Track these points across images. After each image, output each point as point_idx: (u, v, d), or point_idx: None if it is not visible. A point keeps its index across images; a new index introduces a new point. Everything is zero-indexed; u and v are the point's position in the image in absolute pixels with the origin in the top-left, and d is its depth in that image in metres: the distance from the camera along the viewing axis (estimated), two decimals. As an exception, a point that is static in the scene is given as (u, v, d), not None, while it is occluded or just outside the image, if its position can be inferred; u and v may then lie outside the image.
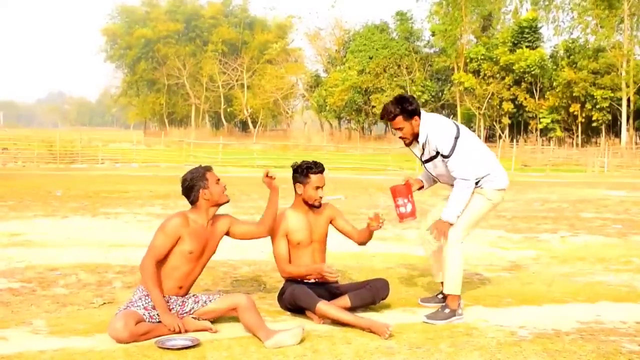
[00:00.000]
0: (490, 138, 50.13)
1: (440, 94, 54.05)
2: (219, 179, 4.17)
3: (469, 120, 51.28)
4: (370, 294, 4.48)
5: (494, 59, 46.51)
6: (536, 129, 48.40)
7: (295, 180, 4.53)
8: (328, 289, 4.51)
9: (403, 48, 53.40)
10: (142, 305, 3.94)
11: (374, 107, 51.23)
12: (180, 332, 3.87)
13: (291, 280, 4.51)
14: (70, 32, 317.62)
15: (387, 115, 4.50)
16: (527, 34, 47.47)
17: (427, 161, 4.57)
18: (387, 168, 31.40)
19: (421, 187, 4.76)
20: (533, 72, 45.45)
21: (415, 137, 4.49)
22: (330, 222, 4.70)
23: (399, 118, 4.45)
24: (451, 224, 4.40)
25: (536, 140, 47.62)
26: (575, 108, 44.84)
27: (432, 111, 48.00)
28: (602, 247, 7.86)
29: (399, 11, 55.71)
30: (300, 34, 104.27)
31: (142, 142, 43.74)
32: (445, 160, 4.40)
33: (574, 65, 45.33)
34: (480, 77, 47.33)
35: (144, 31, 62.49)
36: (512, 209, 12.01)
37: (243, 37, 64.73)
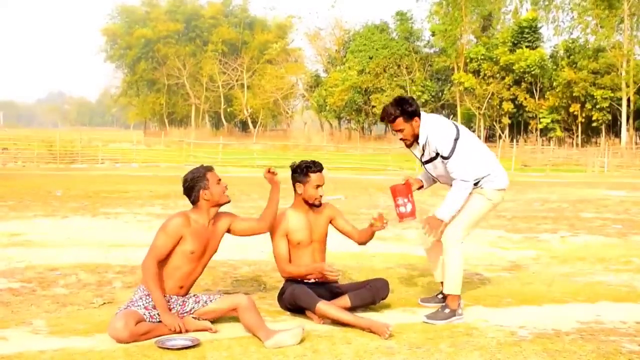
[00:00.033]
0: (490, 138, 50.14)
1: (440, 94, 54.06)
2: (220, 180, 4.17)
3: (469, 120, 51.29)
4: (370, 294, 4.48)
5: (494, 59, 46.52)
6: (536, 129, 48.41)
7: (295, 180, 4.54)
8: (328, 289, 4.51)
9: (403, 48, 53.42)
10: (143, 304, 3.94)
11: (374, 107, 51.24)
12: (181, 332, 3.87)
13: (291, 280, 4.51)
14: (70, 32, 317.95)
15: (387, 117, 4.49)
16: (527, 34, 47.48)
17: (427, 162, 4.57)
18: (387, 168, 31.41)
19: (421, 187, 4.76)
20: (533, 72, 45.46)
21: (416, 138, 4.49)
22: (330, 222, 4.70)
23: (399, 120, 4.44)
24: (443, 222, 4.40)
25: (536, 140, 47.63)
26: (575, 108, 44.86)
27: (432, 111, 48.03)
28: (602, 247, 7.85)
29: (399, 11, 55.76)
30: (300, 34, 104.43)
31: (142, 142, 43.75)
32: (445, 161, 4.40)
33: (574, 65, 45.35)
34: (480, 77, 47.34)
35: (144, 31, 62.49)
36: (512, 209, 12.01)
37: (243, 37, 64.74)
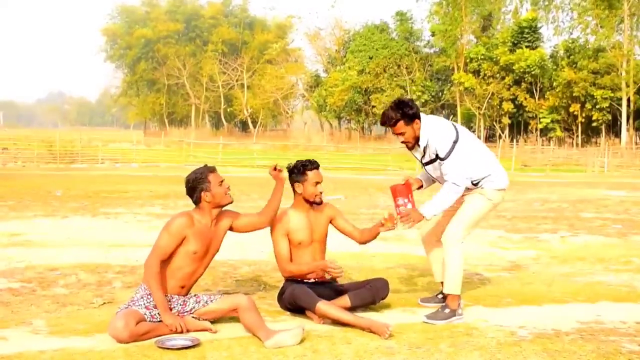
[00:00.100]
0: (490, 138, 50.15)
1: (440, 94, 54.06)
2: (222, 181, 4.17)
3: (469, 120, 51.30)
4: (370, 294, 4.48)
5: (494, 59, 46.52)
6: (536, 129, 48.42)
7: (293, 180, 4.55)
8: (328, 289, 4.51)
9: (403, 48, 53.42)
10: (144, 304, 3.94)
11: (374, 107, 51.25)
12: (181, 332, 3.87)
13: (291, 280, 4.51)
14: (70, 32, 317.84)
15: (388, 122, 4.48)
16: (527, 34, 47.48)
17: (427, 163, 4.57)
18: (387, 168, 31.42)
19: (420, 187, 4.76)
20: (533, 72, 45.46)
21: (417, 140, 4.48)
22: (331, 222, 4.71)
23: (400, 123, 4.43)
24: (424, 218, 4.40)
25: (536, 140, 47.64)
26: (575, 108, 44.86)
27: (432, 111, 47.85)
28: (602, 247, 7.85)
29: (398, 11, 55.75)
30: (300, 34, 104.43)
31: (142, 142, 43.75)
32: (441, 162, 4.41)
33: (574, 65, 45.35)
34: (480, 77, 47.34)
35: (144, 31, 62.50)
36: (512, 209, 12.01)
37: (243, 37, 64.75)
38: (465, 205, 4.55)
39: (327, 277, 4.64)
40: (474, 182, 4.55)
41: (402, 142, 4.55)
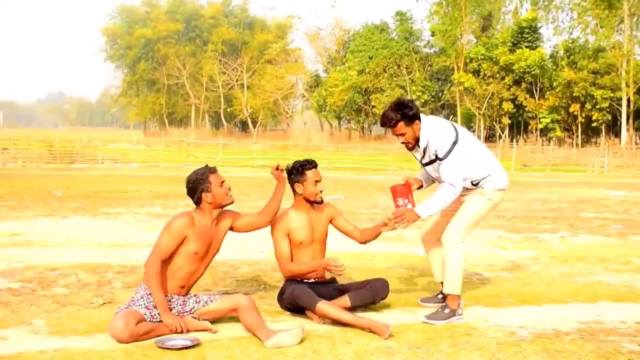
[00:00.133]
0: (490, 138, 50.17)
1: (440, 94, 54.07)
2: (223, 181, 4.17)
3: (469, 120, 51.31)
4: (370, 294, 4.48)
5: (494, 59, 46.53)
6: (536, 129, 48.43)
7: (293, 181, 4.55)
8: (328, 289, 4.51)
9: (403, 48, 53.42)
10: (144, 304, 3.94)
11: (373, 107, 51.26)
12: (182, 332, 3.87)
13: (291, 280, 4.51)
14: (70, 32, 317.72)
15: (388, 123, 4.47)
16: (527, 34, 47.49)
17: (427, 164, 4.57)
18: (387, 168, 31.42)
19: (420, 187, 4.76)
20: (533, 72, 45.47)
21: (417, 141, 4.48)
22: (331, 222, 4.71)
23: (401, 124, 4.43)
24: (419, 218, 4.39)
25: (536, 140, 47.65)
26: (575, 108, 44.87)
27: (432, 111, 47.76)
28: (602, 247, 7.85)
29: (398, 11, 55.76)
30: (300, 34, 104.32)
31: (142, 142, 43.74)
32: (439, 162, 4.41)
33: (574, 65, 45.37)
34: (480, 77, 47.35)
35: (144, 31, 62.51)
36: (512, 209, 12.01)
37: (243, 37, 64.75)
38: (465, 206, 4.55)
39: (328, 276, 4.64)
40: (474, 182, 4.55)
41: (403, 143, 4.54)
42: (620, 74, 43.59)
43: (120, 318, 3.77)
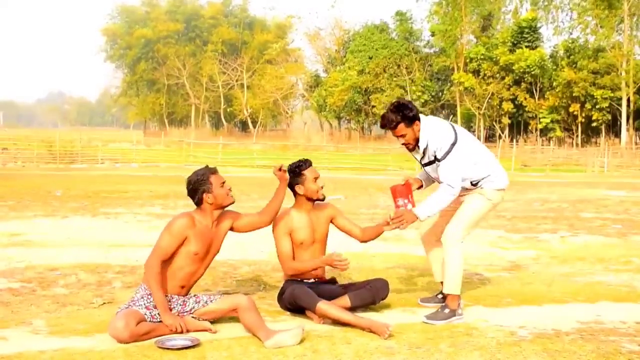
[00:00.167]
0: (490, 138, 50.18)
1: (440, 94, 54.07)
2: (224, 182, 4.17)
3: (468, 120, 51.31)
4: (370, 294, 4.48)
5: (494, 59, 46.54)
6: (536, 129, 48.43)
7: (292, 184, 4.55)
8: (328, 289, 4.51)
9: (403, 48, 53.43)
10: (144, 304, 3.94)
11: (373, 107, 51.26)
12: (182, 332, 3.88)
13: (291, 280, 4.51)
14: (70, 32, 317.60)
15: (388, 125, 4.47)
16: (526, 34, 47.50)
17: (427, 164, 4.58)
18: (387, 168, 31.43)
19: (420, 187, 4.77)
20: (533, 72, 45.47)
21: (417, 142, 4.48)
22: (331, 221, 4.71)
23: (401, 125, 4.43)
24: (418, 219, 4.39)
25: (536, 140, 47.65)
26: (575, 108, 44.87)
27: (432, 111, 47.75)
28: (602, 247, 7.86)
29: (398, 11, 55.75)
30: (300, 34, 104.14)
31: (141, 142, 43.74)
32: (438, 163, 4.41)
33: (573, 65, 45.37)
34: (480, 77, 47.35)
35: (144, 31, 62.52)
36: (512, 209, 12.02)
37: (243, 37, 64.76)
38: (465, 206, 4.55)
39: (328, 276, 4.64)
40: (474, 183, 4.55)
41: (403, 144, 4.55)
42: (620, 74, 43.60)
43: (120, 318, 3.77)
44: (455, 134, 4.45)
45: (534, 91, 47.04)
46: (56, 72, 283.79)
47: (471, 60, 47.65)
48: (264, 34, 63.81)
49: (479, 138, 41.02)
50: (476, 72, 47.62)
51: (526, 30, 47.68)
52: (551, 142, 46.44)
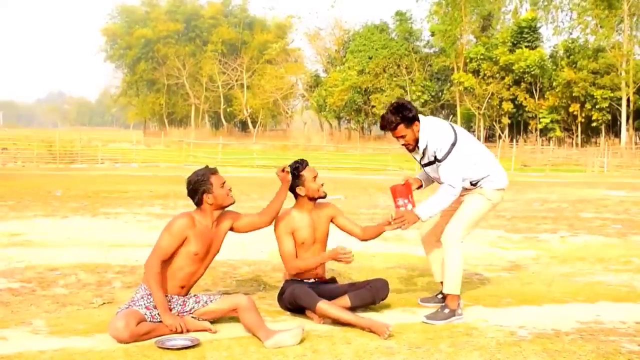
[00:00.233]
0: (490, 138, 50.17)
1: (440, 94, 54.06)
2: (224, 182, 4.17)
3: (468, 120, 51.30)
4: (370, 294, 4.48)
5: (494, 59, 46.53)
6: (536, 129, 48.42)
7: (293, 186, 4.54)
8: (328, 289, 4.51)
9: (403, 48, 53.42)
10: (144, 304, 3.94)
11: (373, 107, 51.26)
12: (182, 332, 3.88)
13: (291, 280, 4.52)
14: (70, 32, 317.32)
15: (388, 126, 4.47)
16: (526, 34, 47.50)
17: (426, 165, 4.58)
18: (387, 168, 31.44)
19: (420, 187, 4.77)
20: (533, 72, 45.47)
21: (417, 142, 4.48)
22: (332, 221, 4.71)
23: (401, 126, 4.43)
24: (419, 220, 4.40)
25: (536, 140, 47.64)
26: (575, 108, 44.87)
27: (432, 111, 47.75)
28: (602, 247, 7.86)
29: (398, 11, 55.74)
30: (300, 34, 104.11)
31: (141, 142, 43.73)
32: (439, 164, 4.41)
33: (573, 65, 45.36)
34: (480, 77, 47.35)
35: (144, 31, 62.51)
36: (512, 209, 12.02)
37: (243, 37, 64.76)
38: (465, 205, 4.55)
39: (327, 276, 4.64)
40: (473, 182, 4.55)
41: (403, 144, 4.54)
42: (620, 74, 43.60)
43: (120, 318, 3.77)
44: (455, 134, 4.45)
45: (534, 91, 47.04)
46: (56, 72, 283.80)
47: (471, 60, 47.65)
48: (263, 34, 63.81)
49: (478, 138, 41.11)
50: (476, 72, 47.61)
51: (526, 30, 47.68)
52: (551, 142, 46.44)
